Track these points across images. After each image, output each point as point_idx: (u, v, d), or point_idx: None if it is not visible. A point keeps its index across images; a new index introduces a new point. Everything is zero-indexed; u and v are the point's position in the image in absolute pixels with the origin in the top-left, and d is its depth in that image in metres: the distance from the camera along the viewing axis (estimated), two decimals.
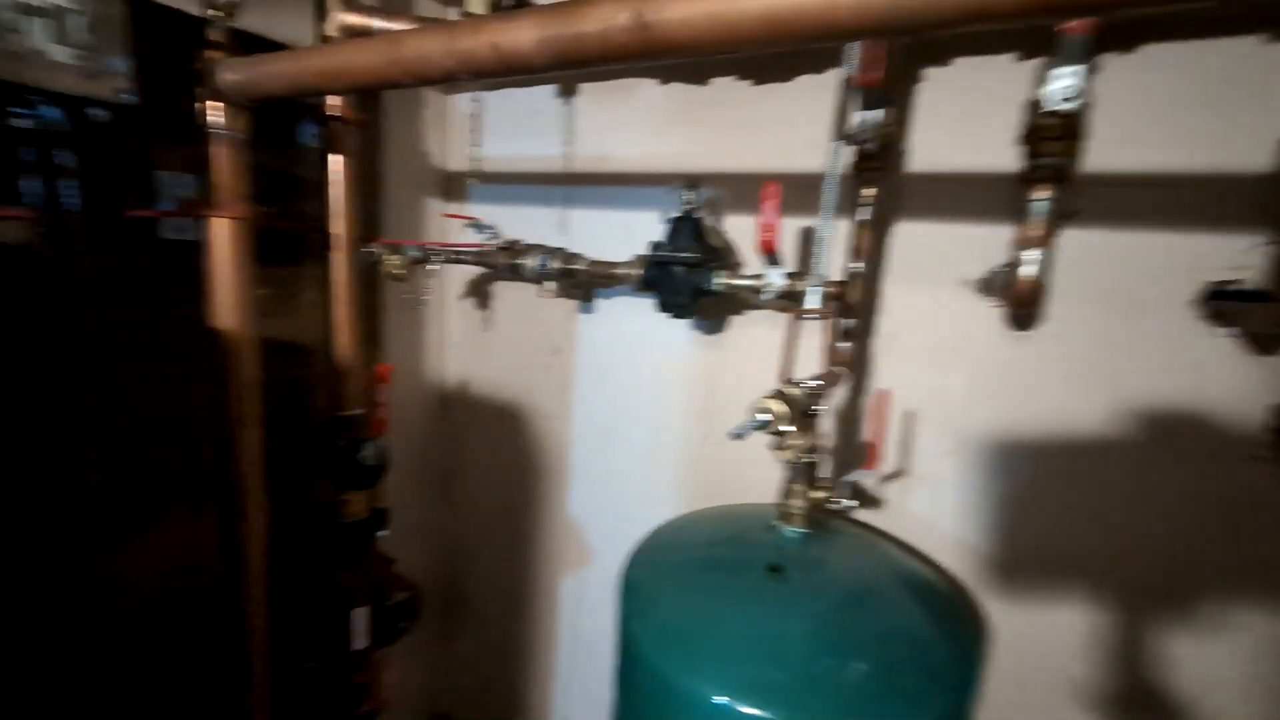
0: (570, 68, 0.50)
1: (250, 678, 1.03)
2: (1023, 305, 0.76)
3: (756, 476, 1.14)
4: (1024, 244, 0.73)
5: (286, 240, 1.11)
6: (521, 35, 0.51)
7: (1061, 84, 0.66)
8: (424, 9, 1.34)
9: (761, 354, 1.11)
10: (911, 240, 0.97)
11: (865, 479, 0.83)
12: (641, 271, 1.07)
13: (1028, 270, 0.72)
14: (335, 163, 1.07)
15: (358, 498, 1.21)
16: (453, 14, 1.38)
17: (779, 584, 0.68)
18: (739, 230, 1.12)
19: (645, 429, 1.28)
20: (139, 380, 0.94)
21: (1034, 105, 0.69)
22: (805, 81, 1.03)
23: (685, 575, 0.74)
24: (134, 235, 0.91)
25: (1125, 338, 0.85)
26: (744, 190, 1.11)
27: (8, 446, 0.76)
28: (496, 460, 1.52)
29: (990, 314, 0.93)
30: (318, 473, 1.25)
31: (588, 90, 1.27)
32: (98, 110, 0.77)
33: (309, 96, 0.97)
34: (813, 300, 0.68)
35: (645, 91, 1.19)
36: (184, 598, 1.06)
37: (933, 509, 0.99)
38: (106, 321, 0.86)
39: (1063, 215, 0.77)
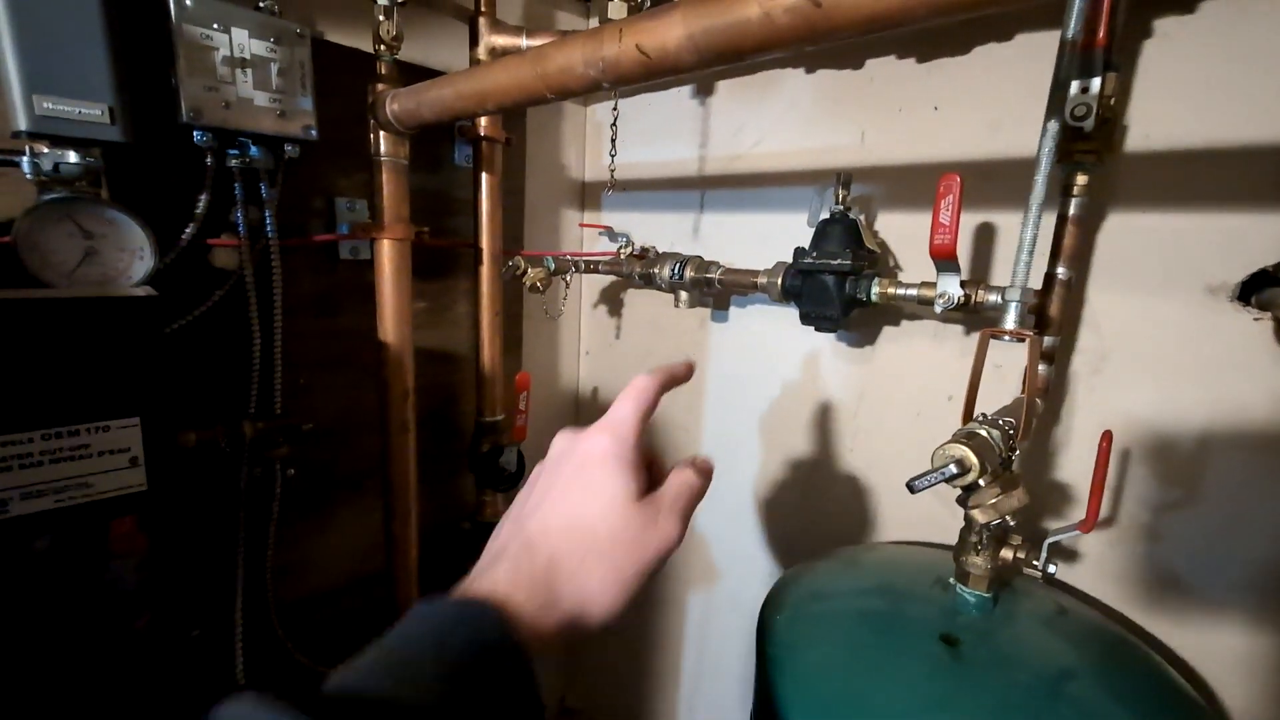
0: (724, 62, 0.45)
1: None
2: None
3: (904, 505, 1.01)
4: None
5: (439, 256, 1.18)
6: (669, 33, 0.46)
7: None
8: (565, 24, 1.37)
9: (918, 369, 0.97)
10: (1127, 237, 0.78)
11: (1068, 536, 0.67)
12: (780, 280, 0.99)
13: None
14: (484, 181, 1.13)
15: (497, 499, 1.27)
16: (594, 24, 1.39)
17: (954, 660, 0.57)
18: (894, 230, 0.99)
19: (780, 446, 1.19)
20: (319, 388, 1.06)
21: None
22: (986, 53, 0.88)
23: (837, 629, 0.65)
24: (319, 257, 1.02)
25: None
26: (901, 184, 0.98)
27: (225, 446, 0.88)
28: None
29: (1248, 329, 0.72)
30: (460, 474, 1.33)
31: (724, 88, 1.21)
32: (290, 146, 0.87)
33: (461, 119, 1.01)
34: (1010, 319, 0.55)
35: (789, 82, 1.10)
36: (360, 580, 1.18)
37: (1148, 571, 0.79)
38: (295, 335, 0.97)
39: None
